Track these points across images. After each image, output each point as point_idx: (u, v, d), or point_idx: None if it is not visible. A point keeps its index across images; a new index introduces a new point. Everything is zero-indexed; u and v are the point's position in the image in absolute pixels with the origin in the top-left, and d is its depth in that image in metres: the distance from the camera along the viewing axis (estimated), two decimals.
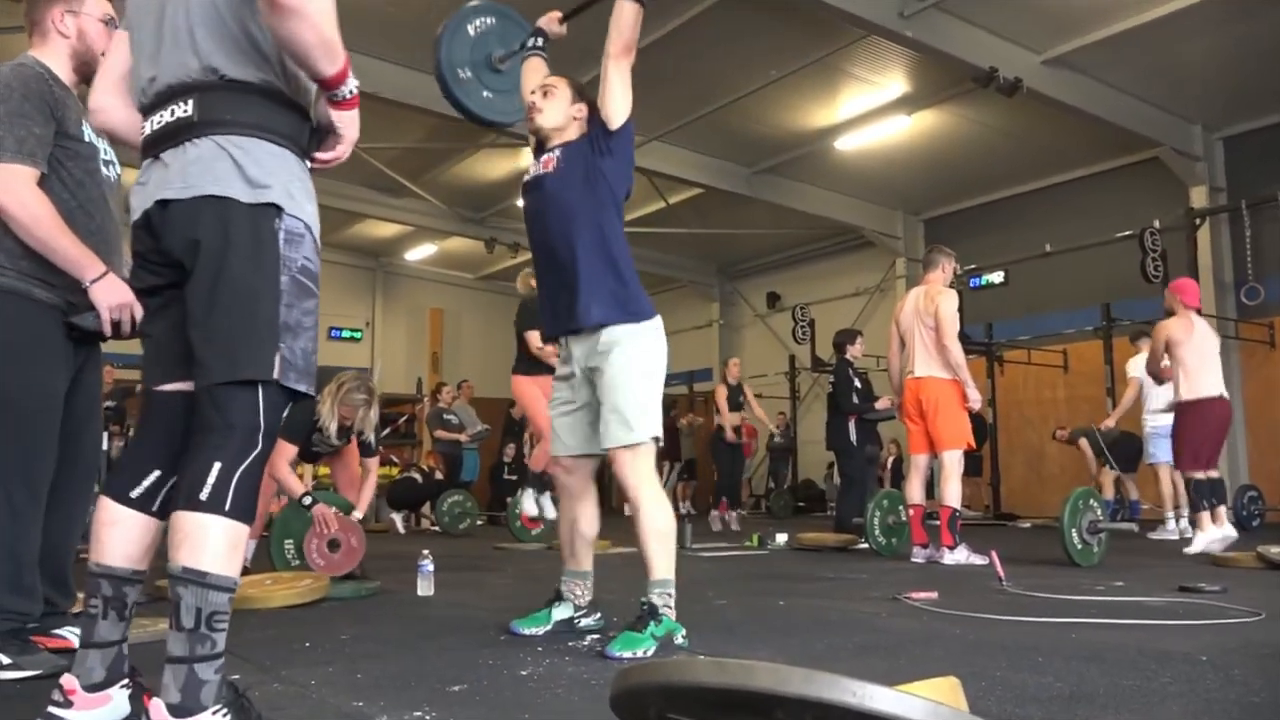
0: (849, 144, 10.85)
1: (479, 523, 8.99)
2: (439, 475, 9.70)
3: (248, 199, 1.61)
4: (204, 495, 1.53)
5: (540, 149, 2.90)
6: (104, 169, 2.43)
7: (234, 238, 1.60)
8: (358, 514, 4.45)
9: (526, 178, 2.88)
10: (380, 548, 6.62)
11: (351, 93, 1.71)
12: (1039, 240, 10.64)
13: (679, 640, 2.56)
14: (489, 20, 3.23)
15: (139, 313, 2.05)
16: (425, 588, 3.85)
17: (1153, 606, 3.32)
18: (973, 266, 11.10)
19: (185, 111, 1.65)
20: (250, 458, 1.58)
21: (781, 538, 7.01)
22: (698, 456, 13.48)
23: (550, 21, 3.16)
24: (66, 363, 2.36)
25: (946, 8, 7.95)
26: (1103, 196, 11.28)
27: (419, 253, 15.49)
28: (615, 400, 2.63)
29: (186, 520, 1.53)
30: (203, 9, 1.66)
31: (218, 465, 1.55)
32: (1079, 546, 4.99)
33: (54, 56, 2.39)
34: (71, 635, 2.33)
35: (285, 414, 1.67)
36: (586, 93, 2.90)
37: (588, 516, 2.89)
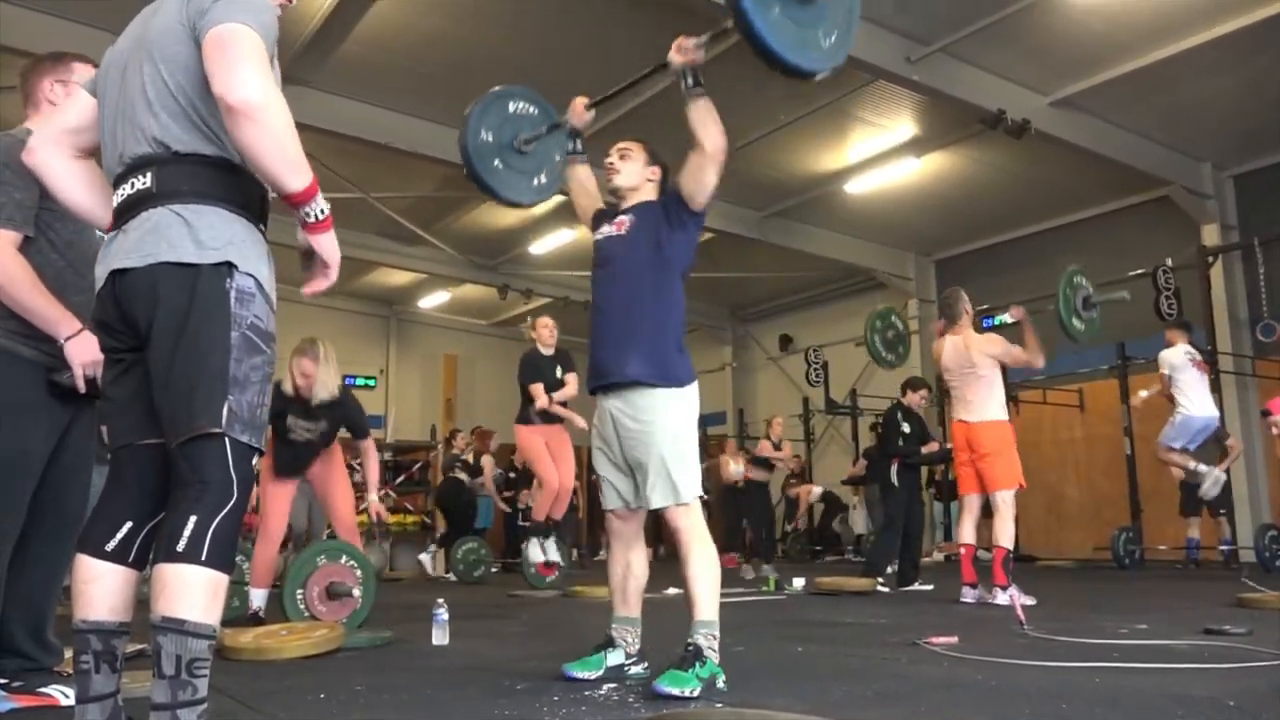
0: (859, 187, 10.90)
1: (494, 570, 8.93)
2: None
3: (201, 260, 1.71)
4: (181, 546, 1.61)
5: (606, 215, 3.03)
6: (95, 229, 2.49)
7: (190, 297, 1.70)
8: (372, 497, 4.80)
9: (598, 236, 3.01)
10: (394, 597, 6.59)
11: (323, 214, 1.77)
12: (1051, 280, 10.62)
13: (720, 684, 2.59)
14: (530, 108, 3.41)
15: None
16: (440, 637, 3.82)
17: (1177, 649, 3.27)
18: (985, 307, 11.06)
19: (145, 184, 1.75)
20: (225, 509, 1.66)
21: (799, 582, 6.95)
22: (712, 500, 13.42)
23: (578, 114, 3.16)
24: (50, 420, 2.37)
25: (953, 51, 8.04)
26: (1115, 235, 11.29)
27: (432, 300, 15.58)
28: (663, 464, 2.74)
29: (166, 571, 1.60)
30: (155, 88, 1.75)
31: (194, 518, 1.63)
32: (1079, 326, 5.82)
33: None
34: (58, 693, 2.33)
35: (256, 464, 1.76)
36: (661, 156, 3.03)
37: (640, 561, 2.97)
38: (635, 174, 2.99)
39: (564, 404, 6.14)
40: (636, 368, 2.77)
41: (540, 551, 5.99)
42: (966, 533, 5.66)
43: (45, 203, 2.35)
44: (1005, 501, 5.48)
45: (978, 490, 5.64)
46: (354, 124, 8.73)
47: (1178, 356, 7.28)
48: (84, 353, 2.27)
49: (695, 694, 2.48)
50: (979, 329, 6.30)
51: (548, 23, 7.65)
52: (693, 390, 2.85)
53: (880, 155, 10.16)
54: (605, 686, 2.68)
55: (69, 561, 2.49)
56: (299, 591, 4.26)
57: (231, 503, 1.67)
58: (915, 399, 7.24)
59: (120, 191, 1.79)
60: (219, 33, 1.67)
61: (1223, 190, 10.59)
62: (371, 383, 15.43)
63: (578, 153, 3.22)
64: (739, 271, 13.40)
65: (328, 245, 1.82)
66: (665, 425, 2.76)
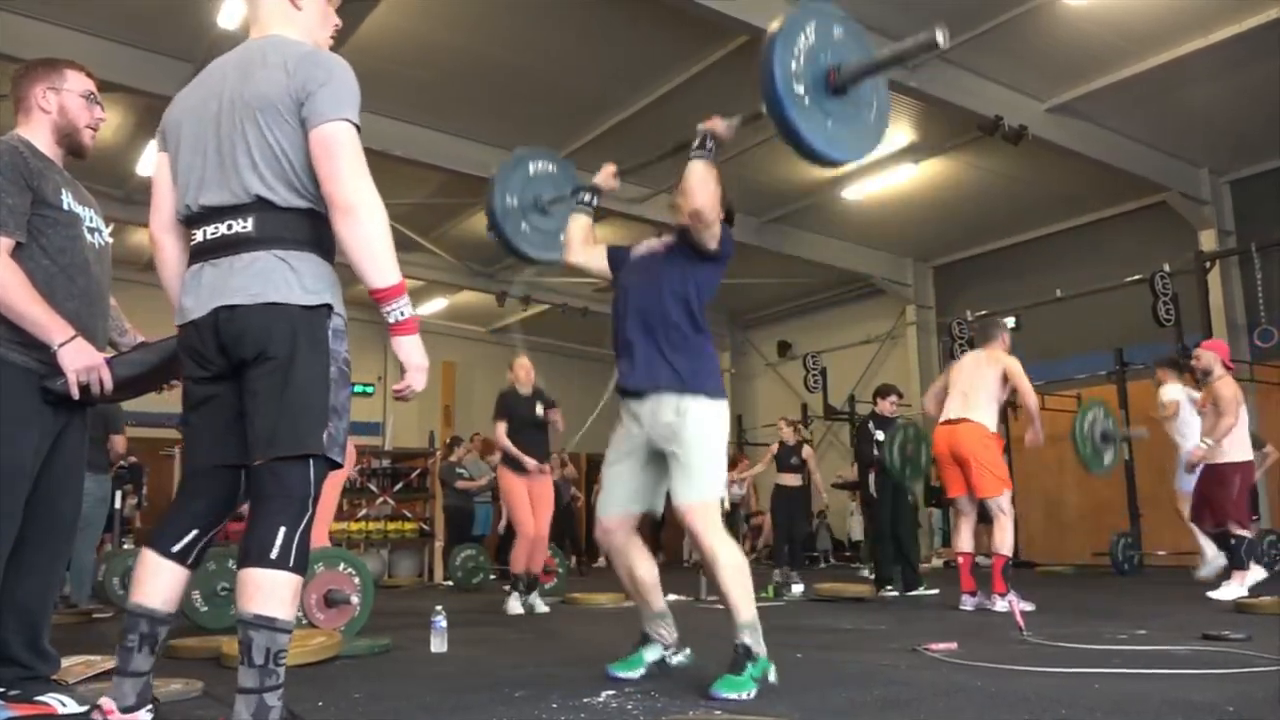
0: (856, 193, 10.93)
1: (491, 578, 8.92)
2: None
3: (307, 303, 1.93)
4: (274, 554, 1.82)
5: (625, 252, 3.21)
6: (88, 236, 2.50)
7: (298, 335, 1.91)
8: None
9: (636, 255, 3.15)
10: (392, 604, 6.58)
11: (403, 315, 1.96)
12: (1050, 285, 10.66)
13: (771, 678, 2.68)
14: (549, 167, 3.61)
15: (106, 376, 2.29)
16: (439, 644, 3.81)
17: (1177, 655, 3.28)
18: (984, 313, 11.10)
19: (245, 228, 1.93)
20: (305, 520, 1.88)
21: (798, 588, 6.94)
22: None
23: (607, 177, 3.29)
24: (43, 427, 2.36)
25: (950, 58, 8.06)
26: (1112, 240, 11.31)
27: (430, 307, 15.58)
28: (690, 461, 2.78)
29: (258, 575, 1.82)
30: (261, 149, 1.94)
31: (283, 529, 1.84)
32: (1089, 453, 5.90)
33: (37, 131, 2.51)
34: (55, 702, 2.33)
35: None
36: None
37: (642, 562, 3.01)
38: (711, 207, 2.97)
39: (545, 432, 6.20)
40: (669, 377, 2.85)
41: (520, 606, 5.87)
42: (963, 540, 5.63)
43: (37, 209, 2.36)
44: (1002, 508, 5.44)
45: (964, 492, 5.57)
46: None
47: (1180, 396, 7.03)
48: (77, 359, 2.27)
49: (752, 696, 2.56)
50: None
51: (546, 30, 7.66)
52: (725, 405, 2.92)
53: (878, 161, 10.17)
54: (604, 694, 2.68)
55: (63, 570, 2.54)
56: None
57: (309, 515, 1.89)
58: (887, 406, 7.23)
59: (204, 230, 1.97)
60: (328, 136, 1.89)
61: (1220, 196, 10.61)
62: (370, 390, 15.44)
63: (587, 204, 3.30)
64: (738, 278, 13.41)
65: (408, 347, 1.99)
66: (698, 423, 2.81)
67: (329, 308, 1.95)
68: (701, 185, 2.82)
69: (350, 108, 1.94)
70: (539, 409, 6.15)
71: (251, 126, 1.94)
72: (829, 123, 2.57)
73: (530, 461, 5.95)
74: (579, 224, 3.27)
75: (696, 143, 2.86)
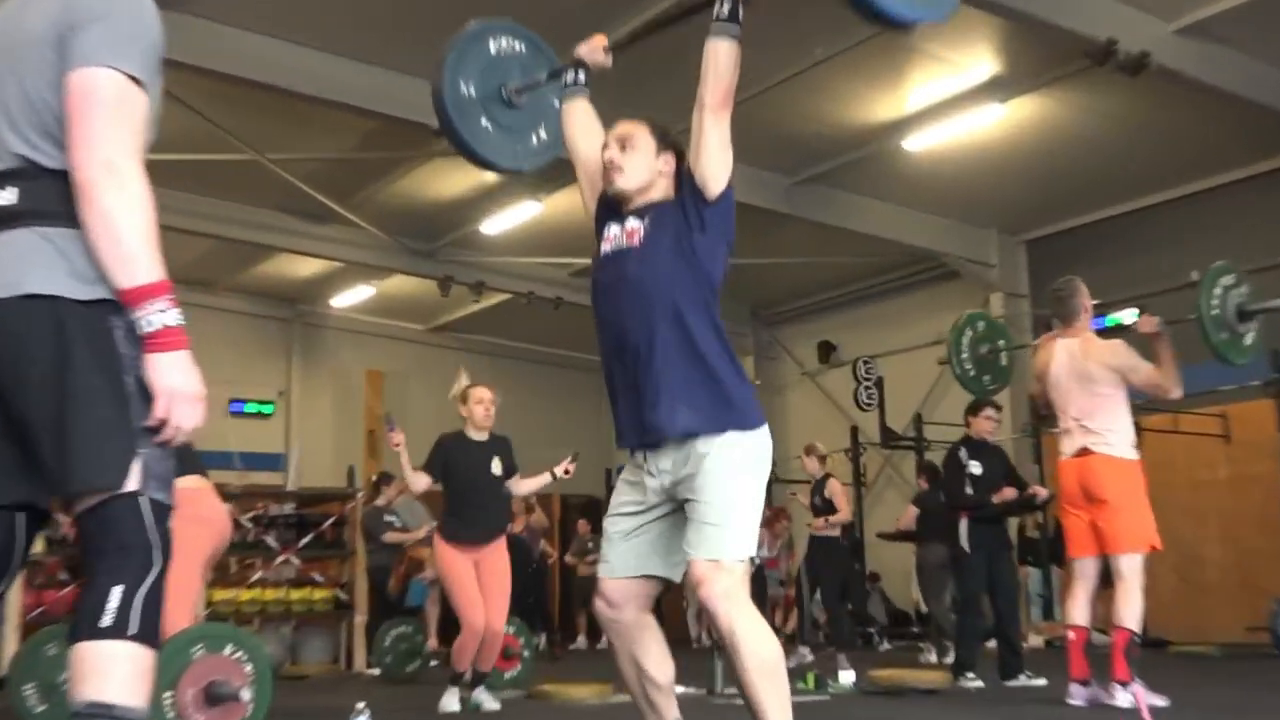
0: (922, 143, 10.91)
1: (432, 663, 8.88)
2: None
3: (80, 295, 1.90)
4: (107, 621, 1.83)
5: (612, 210, 3.07)
6: None
7: (69, 337, 1.88)
8: None
9: (606, 249, 3.05)
10: (298, 700, 6.55)
11: (161, 324, 1.91)
12: (1183, 266, 10.58)
13: None
14: (517, 45, 3.57)
15: None
16: None
17: None
18: (1096, 303, 11.08)
19: (9, 199, 1.95)
20: (150, 577, 1.89)
21: (847, 676, 6.92)
22: None
23: (594, 50, 3.26)
24: None
25: None
26: (1264, 206, 11.31)
27: (350, 297, 15.56)
28: (708, 507, 2.75)
29: (88, 650, 1.84)
30: (19, 96, 1.96)
31: (119, 588, 1.85)
32: (1224, 338, 5.88)
33: None
34: None
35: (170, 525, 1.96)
36: (674, 138, 3.04)
37: (654, 656, 2.94)
38: (643, 168, 3.01)
39: (508, 500, 6.29)
40: (687, 417, 2.81)
41: (456, 702, 5.87)
42: (1076, 611, 5.62)
43: None
44: (1131, 568, 5.43)
45: (1094, 552, 5.59)
46: (247, 62, 8.67)
47: None
48: None
49: None
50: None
51: None
52: (762, 435, 2.89)
53: (951, 101, 10.16)
54: None
55: None
56: (168, 694, 4.21)
57: (156, 569, 1.90)
58: (984, 425, 7.26)
59: None
60: (83, 87, 1.90)
61: None
62: (268, 409, 15.38)
63: (578, 84, 3.28)
64: (762, 257, 13.40)
65: (166, 369, 1.91)
66: (725, 464, 2.79)
67: (114, 303, 1.91)
68: (732, 72, 2.82)
69: (127, 53, 1.93)
70: (495, 465, 6.08)
71: (15, 70, 1.97)
72: None
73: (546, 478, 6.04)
74: (576, 111, 3.26)
75: (726, 9, 2.80)
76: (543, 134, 3.62)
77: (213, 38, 8.43)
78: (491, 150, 3.54)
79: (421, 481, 6.03)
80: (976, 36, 9.20)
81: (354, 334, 16.40)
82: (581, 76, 3.26)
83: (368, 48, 9.05)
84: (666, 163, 3.02)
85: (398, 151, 11.07)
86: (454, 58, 3.44)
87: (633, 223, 2.98)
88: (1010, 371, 7.86)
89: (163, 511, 1.94)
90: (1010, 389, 12.67)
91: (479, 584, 5.92)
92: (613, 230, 3.03)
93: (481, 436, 6.12)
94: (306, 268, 14.47)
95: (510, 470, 6.13)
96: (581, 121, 3.24)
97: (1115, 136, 10.83)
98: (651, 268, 2.89)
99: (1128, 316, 11.25)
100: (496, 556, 6.04)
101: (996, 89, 9.99)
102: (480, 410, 6.09)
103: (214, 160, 10.44)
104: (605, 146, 3.05)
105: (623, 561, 2.91)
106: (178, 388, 1.91)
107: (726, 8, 2.79)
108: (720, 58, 2.80)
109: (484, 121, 3.49)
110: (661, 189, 3.01)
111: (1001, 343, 7.73)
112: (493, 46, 3.53)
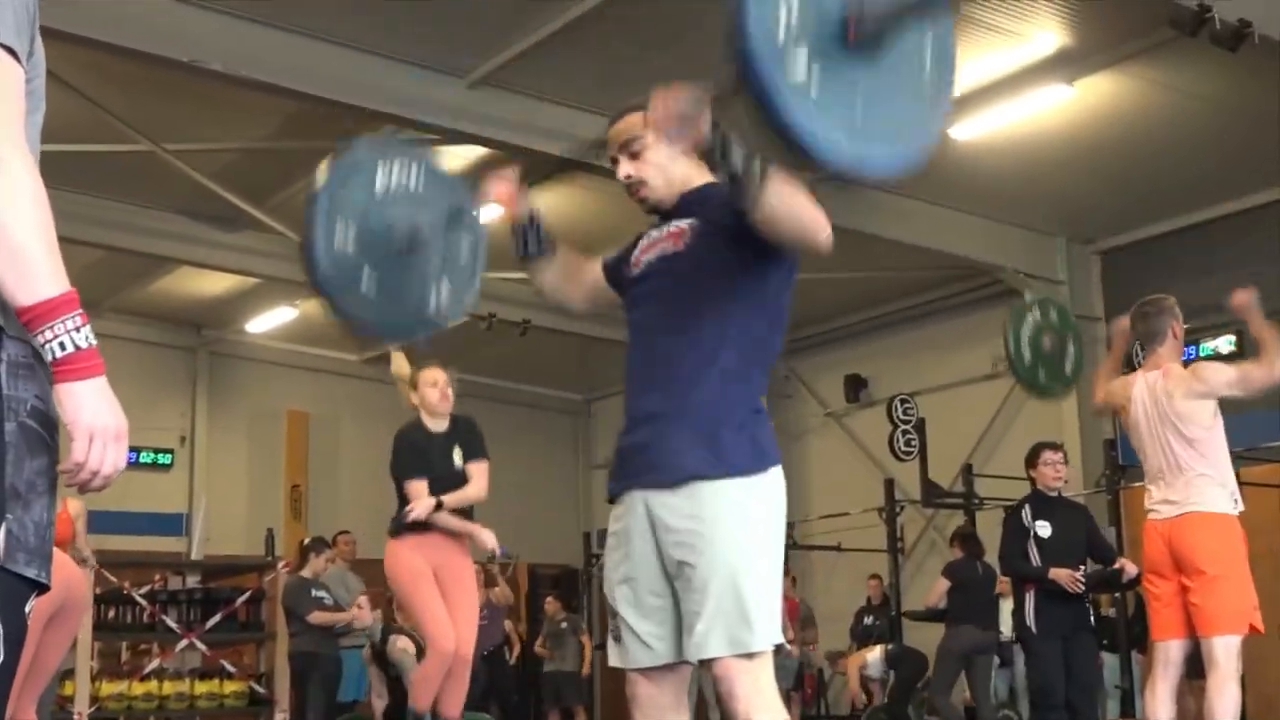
0: (972, 131, 10.92)
1: None
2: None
3: None
4: None
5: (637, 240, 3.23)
6: None
7: None
8: None
9: (636, 270, 3.17)
10: None
11: (72, 347, 1.82)
12: None
13: None
14: (411, 170, 3.39)
15: None
16: None
17: None
18: (1186, 327, 11.07)
19: None
20: None
21: None
22: None
23: (503, 195, 3.29)
24: None
25: None
26: None
27: (267, 321, 15.58)
28: (721, 592, 2.76)
29: None
30: None
31: None
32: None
33: None
34: None
35: (29, 610, 1.90)
36: None
37: None
38: (668, 166, 3.08)
39: (464, 512, 6.16)
40: (698, 458, 2.85)
41: None
42: (1161, 705, 5.61)
43: None
44: (1227, 654, 5.44)
45: (1182, 635, 5.59)
46: (140, 31, 8.69)
47: None
48: None
49: None
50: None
51: None
52: (775, 477, 2.94)
53: (1008, 80, 10.19)
54: None
55: None
56: None
57: (4, 661, 1.82)
58: (1049, 474, 7.24)
59: None
60: None
61: None
62: (165, 460, 15.33)
63: (531, 255, 3.35)
64: None
65: (81, 400, 1.84)
66: (735, 525, 2.82)
67: None
68: (807, 209, 2.79)
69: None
70: (456, 457, 6.11)
71: None
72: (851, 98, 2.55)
73: (486, 537, 6.04)
74: (545, 282, 3.42)
75: (738, 163, 2.68)
76: (462, 275, 3.49)
77: (109, 5, 8.46)
78: (377, 313, 3.41)
79: (419, 487, 5.98)
80: (1040, 2, 9.23)
81: (273, 366, 16.47)
82: (530, 243, 3.31)
83: (288, 12, 9.05)
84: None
85: (324, 141, 10.97)
86: (324, 194, 3.26)
87: (678, 223, 3.11)
88: (1075, 379, 7.76)
89: (19, 588, 1.86)
90: (1081, 436, 12.74)
91: (442, 592, 5.95)
92: (650, 251, 3.15)
93: (440, 425, 6.19)
94: (215, 285, 14.56)
95: (473, 452, 6.19)
96: (569, 281, 3.41)
97: (1209, 123, 10.88)
98: (700, 267, 3.01)
99: (1224, 345, 11.27)
100: (461, 564, 6.11)
101: (1063, 65, 10.02)
102: (434, 394, 6.17)
103: (100, 152, 10.48)
104: (614, 161, 3.16)
105: (640, 650, 2.94)
106: (100, 424, 1.85)
107: (731, 156, 2.67)
108: (785, 203, 2.72)
109: (365, 280, 3.27)
110: (695, 174, 3.11)
111: (1071, 346, 7.78)
112: (378, 179, 3.35)
